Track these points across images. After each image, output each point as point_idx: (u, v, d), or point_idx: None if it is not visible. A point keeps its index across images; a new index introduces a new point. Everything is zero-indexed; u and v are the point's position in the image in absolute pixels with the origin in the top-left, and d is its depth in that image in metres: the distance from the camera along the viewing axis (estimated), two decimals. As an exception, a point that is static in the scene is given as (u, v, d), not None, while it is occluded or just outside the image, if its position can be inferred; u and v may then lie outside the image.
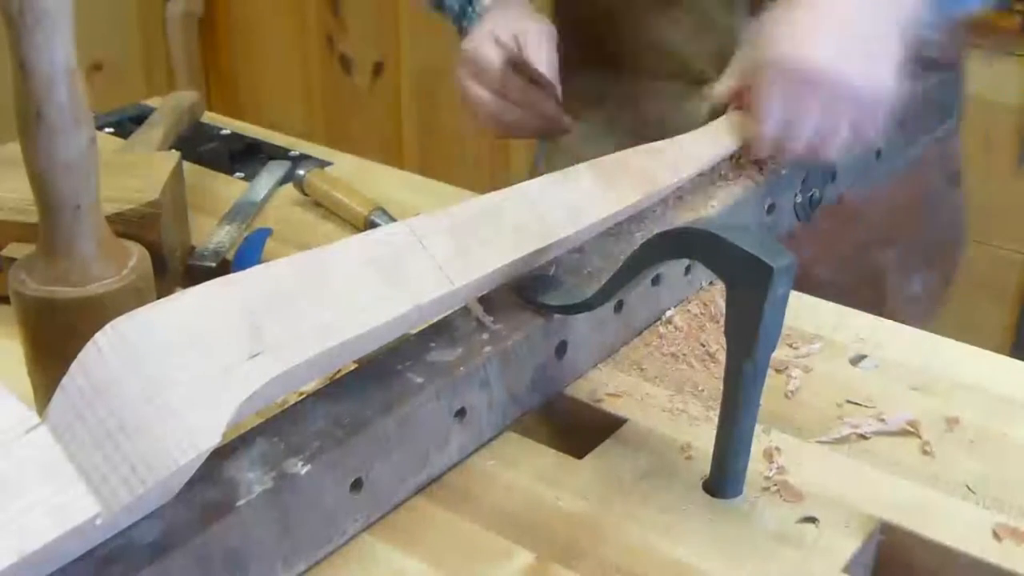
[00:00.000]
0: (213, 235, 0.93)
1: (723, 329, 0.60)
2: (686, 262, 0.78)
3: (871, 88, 0.80)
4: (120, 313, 0.49)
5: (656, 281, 0.76)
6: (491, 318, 0.66)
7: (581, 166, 0.74)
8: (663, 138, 0.81)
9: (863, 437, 0.67)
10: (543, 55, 0.92)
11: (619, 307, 0.73)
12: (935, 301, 1.16)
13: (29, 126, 0.57)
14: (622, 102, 1.03)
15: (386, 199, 0.99)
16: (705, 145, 0.83)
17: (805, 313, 0.81)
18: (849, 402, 0.71)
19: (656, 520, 0.60)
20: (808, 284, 0.80)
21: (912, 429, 0.68)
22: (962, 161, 1.14)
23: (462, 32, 1.03)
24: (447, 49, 2.28)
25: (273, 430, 0.57)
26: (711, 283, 0.82)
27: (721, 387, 0.61)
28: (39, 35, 0.55)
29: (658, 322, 0.78)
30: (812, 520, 0.61)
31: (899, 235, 1.08)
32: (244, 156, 1.14)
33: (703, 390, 0.71)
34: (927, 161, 1.07)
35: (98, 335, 0.48)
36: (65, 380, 0.47)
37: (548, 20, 0.97)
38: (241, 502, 0.52)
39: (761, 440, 0.66)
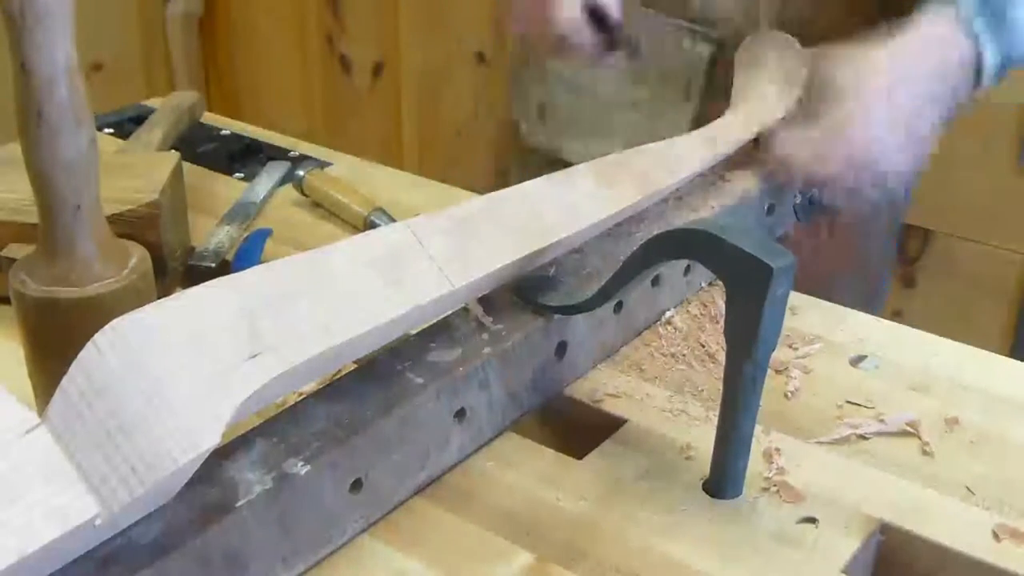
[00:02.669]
0: (213, 235, 0.93)
1: (723, 329, 0.60)
2: (686, 262, 0.78)
3: (896, 172, 0.81)
4: (120, 313, 0.49)
5: (656, 282, 0.76)
6: (491, 318, 0.66)
7: (581, 166, 0.74)
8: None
9: (863, 437, 0.67)
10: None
11: (619, 308, 0.73)
12: None
13: (29, 126, 0.57)
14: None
15: (386, 199, 0.99)
16: (705, 146, 0.83)
17: (805, 313, 0.81)
18: (849, 402, 0.71)
19: (656, 520, 0.60)
20: None
21: (912, 429, 0.68)
22: (905, 213, 1.16)
23: None
24: (447, 49, 2.28)
25: (273, 430, 0.57)
26: (711, 283, 0.82)
27: (721, 387, 0.61)
28: (40, 35, 0.55)
29: (658, 323, 0.78)
30: (812, 520, 0.61)
31: (830, 274, 1.08)
32: (244, 156, 1.14)
33: (703, 390, 0.71)
34: (875, 208, 1.08)
35: (98, 335, 0.48)
36: (65, 381, 0.47)
37: None
38: (241, 502, 0.52)
39: (761, 440, 0.66)
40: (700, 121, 0.90)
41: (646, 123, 1.02)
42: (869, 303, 1.15)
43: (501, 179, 1.22)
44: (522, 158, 1.16)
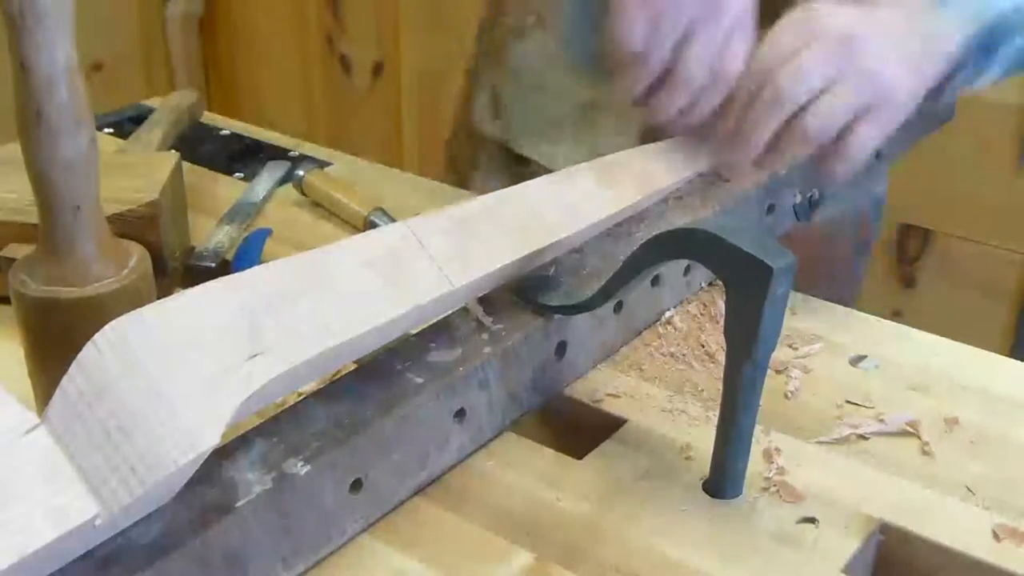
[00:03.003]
0: (213, 235, 0.93)
1: (723, 329, 0.60)
2: (685, 262, 0.78)
3: (903, 85, 0.73)
4: (120, 313, 0.49)
5: (656, 282, 0.76)
6: (491, 318, 0.66)
7: (581, 166, 0.74)
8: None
9: (863, 437, 0.67)
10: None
11: (619, 307, 0.73)
12: None
13: (29, 126, 0.57)
14: None
15: (386, 199, 0.99)
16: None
17: (805, 313, 0.81)
18: (849, 402, 0.71)
19: (656, 520, 0.60)
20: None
21: (912, 429, 0.68)
22: (875, 233, 1.11)
23: None
24: (447, 49, 2.28)
25: (273, 430, 0.57)
26: (711, 283, 0.82)
27: (721, 387, 0.61)
28: (39, 35, 0.55)
29: (658, 323, 0.78)
30: (812, 520, 0.61)
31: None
32: (244, 156, 1.14)
33: (703, 390, 0.71)
34: (840, 228, 1.05)
35: (98, 335, 0.48)
36: (65, 381, 0.47)
37: None
38: (241, 502, 0.52)
39: (761, 440, 0.66)
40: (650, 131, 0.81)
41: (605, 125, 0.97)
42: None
43: (451, 167, 1.20)
44: (474, 146, 1.11)
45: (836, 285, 1.06)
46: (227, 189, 1.04)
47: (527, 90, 1.04)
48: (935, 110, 0.95)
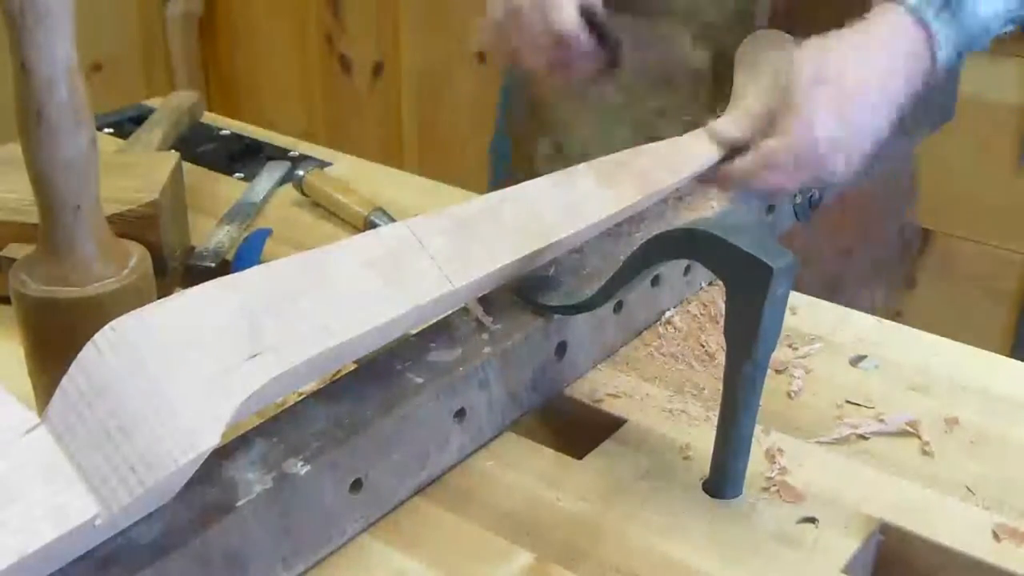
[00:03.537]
0: (213, 235, 0.93)
1: (723, 329, 0.60)
2: (685, 262, 0.78)
3: (844, 168, 0.80)
4: (120, 313, 0.49)
5: (656, 282, 0.76)
6: (491, 318, 0.66)
7: (581, 166, 0.74)
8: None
9: (863, 437, 0.67)
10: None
11: (619, 308, 0.73)
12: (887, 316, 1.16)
13: (30, 126, 0.57)
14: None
15: (386, 199, 0.99)
16: (705, 145, 0.83)
17: (805, 313, 0.81)
18: (849, 402, 0.71)
19: (656, 520, 0.60)
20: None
21: (912, 429, 0.68)
22: (919, 181, 1.16)
23: None
24: (447, 49, 2.28)
25: (273, 430, 0.57)
26: (711, 283, 0.82)
27: (721, 387, 0.61)
28: (40, 35, 0.55)
29: (658, 323, 0.78)
30: (812, 520, 0.61)
31: (855, 245, 1.08)
32: (244, 156, 1.14)
33: (703, 390, 0.71)
34: (888, 176, 1.08)
35: (98, 335, 0.48)
36: (65, 381, 0.47)
37: None
38: (241, 502, 0.52)
39: (761, 440, 0.66)
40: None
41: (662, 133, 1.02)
42: (890, 274, 1.15)
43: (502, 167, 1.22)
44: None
45: (891, 237, 1.13)
46: (227, 189, 1.04)
47: (589, 141, 1.06)
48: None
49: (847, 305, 0.85)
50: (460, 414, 0.63)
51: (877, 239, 1.12)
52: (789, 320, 0.72)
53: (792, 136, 0.78)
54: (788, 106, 0.79)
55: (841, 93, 0.79)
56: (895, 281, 1.18)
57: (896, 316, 0.92)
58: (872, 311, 0.96)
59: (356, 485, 0.57)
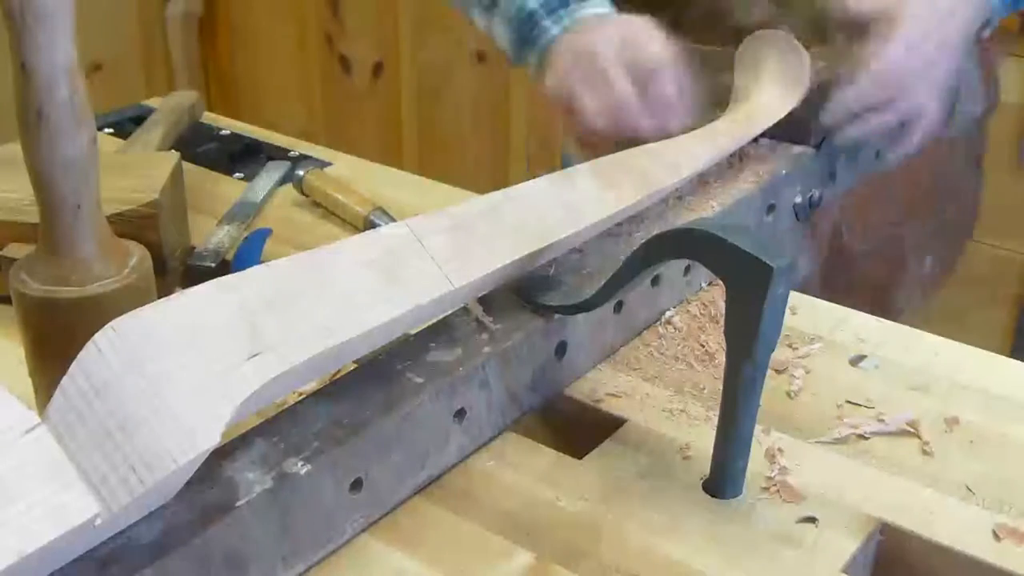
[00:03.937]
0: (213, 235, 0.93)
1: (723, 329, 0.60)
2: (685, 262, 0.78)
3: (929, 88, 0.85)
4: (120, 313, 0.49)
5: (656, 282, 0.76)
6: (491, 318, 0.66)
7: (581, 166, 0.74)
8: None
9: (863, 437, 0.67)
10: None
11: (619, 307, 0.73)
12: (935, 285, 1.16)
13: (30, 126, 0.57)
14: None
15: (386, 199, 0.99)
16: (705, 145, 0.83)
17: (805, 313, 0.81)
18: (849, 402, 0.71)
19: (656, 520, 0.60)
20: (836, 251, 0.80)
21: (912, 429, 0.68)
22: (988, 146, 1.16)
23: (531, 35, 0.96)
24: (447, 49, 2.28)
25: (273, 430, 0.57)
26: (711, 283, 0.82)
27: (721, 387, 0.61)
28: (40, 35, 0.55)
29: (658, 322, 0.78)
30: (812, 520, 0.61)
31: (919, 211, 1.08)
32: (244, 156, 1.14)
33: (703, 390, 0.71)
34: (956, 141, 1.08)
35: (98, 335, 0.48)
36: (65, 380, 0.47)
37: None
38: (241, 502, 0.52)
39: (762, 440, 0.66)
40: None
41: None
42: (942, 246, 1.16)
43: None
44: None
45: (955, 203, 1.16)
46: (227, 189, 1.04)
47: None
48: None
49: (899, 267, 0.87)
50: (460, 414, 0.63)
51: (944, 203, 1.12)
52: (789, 320, 0.72)
53: (872, 67, 0.82)
54: (861, 40, 0.83)
55: (913, 10, 0.83)
56: (947, 254, 1.18)
57: (897, 316, 0.92)
58: (919, 280, 0.97)
59: (356, 485, 0.57)
